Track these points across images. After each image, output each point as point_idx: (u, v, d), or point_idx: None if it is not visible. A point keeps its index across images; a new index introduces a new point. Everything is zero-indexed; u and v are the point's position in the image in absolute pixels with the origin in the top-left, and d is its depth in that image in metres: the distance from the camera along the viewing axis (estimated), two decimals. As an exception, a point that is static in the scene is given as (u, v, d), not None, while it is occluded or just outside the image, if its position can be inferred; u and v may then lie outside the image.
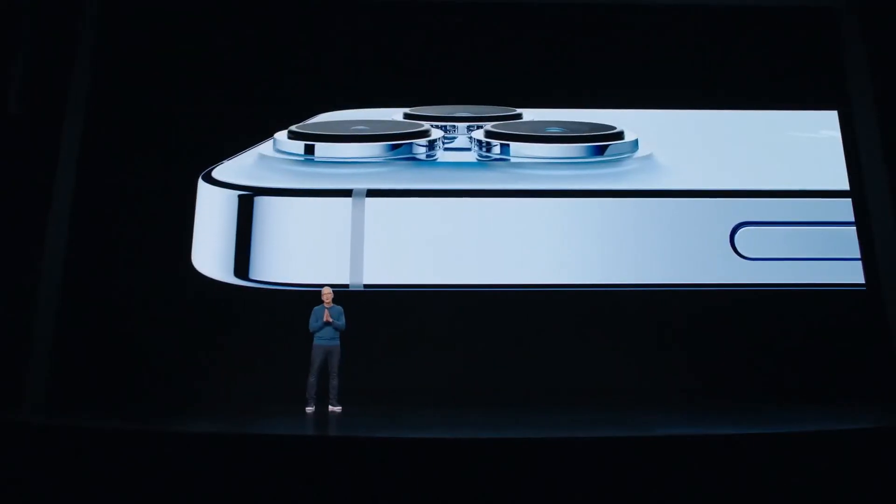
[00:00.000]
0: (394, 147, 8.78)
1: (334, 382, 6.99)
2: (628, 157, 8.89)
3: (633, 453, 5.30)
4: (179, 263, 8.43)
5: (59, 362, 7.55)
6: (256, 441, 5.66)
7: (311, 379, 6.95)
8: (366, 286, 8.37)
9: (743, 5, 9.09)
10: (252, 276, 8.34)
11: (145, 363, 8.03)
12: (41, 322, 7.43)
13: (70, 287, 7.83)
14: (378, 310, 8.30)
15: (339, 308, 7.21)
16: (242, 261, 8.34)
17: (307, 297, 7.54)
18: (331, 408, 6.96)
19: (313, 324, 7.07)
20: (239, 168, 8.71)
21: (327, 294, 7.27)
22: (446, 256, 8.50)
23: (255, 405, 7.26)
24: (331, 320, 7.05)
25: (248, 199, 8.40)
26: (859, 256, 8.48)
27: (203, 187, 8.59)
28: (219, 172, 8.62)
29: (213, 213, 8.50)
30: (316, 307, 7.18)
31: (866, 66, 8.18)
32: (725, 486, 5.18)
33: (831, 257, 8.56)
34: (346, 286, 8.29)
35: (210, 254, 8.47)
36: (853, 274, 8.51)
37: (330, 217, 8.47)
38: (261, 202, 8.42)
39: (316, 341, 7.05)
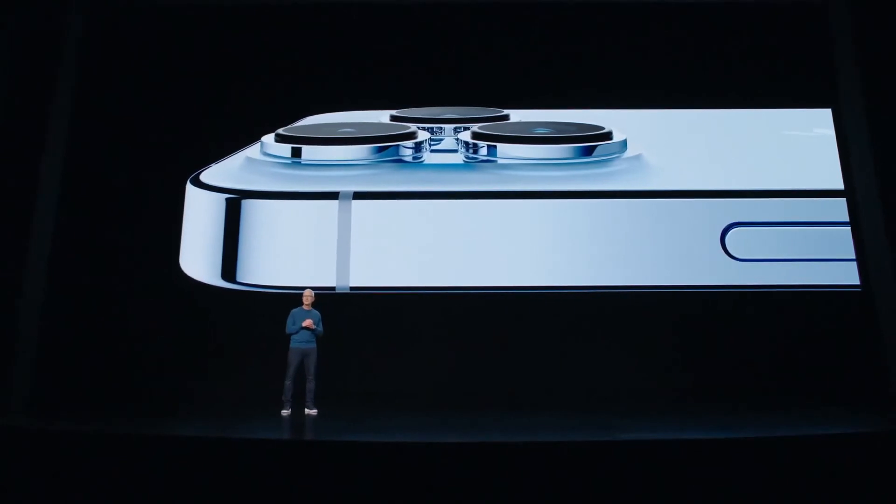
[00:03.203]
0: (380, 149, 8.77)
1: (310, 385, 7.00)
2: (617, 157, 8.80)
3: (600, 458, 5.27)
4: (167, 266, 8.50)
5: (44, 365, 7.61)
6: (232, 445, 5.69)
7: (288, 382, 6.96)
8: (352, 289, 8.37)
9: (734, 2, 8.94)
10: (239, 279, 8.38)
11: (132, 366, 8.12)
12: (26, 325, 7.50)
13: (57, 290, 7.90)
14: (358, 312, 8.32)
15: (318, 314, 7.22)
16: (230, 264, 8.38)
17: (292, 299, 7.54)
18: (307, 410, 6.96)
19: (290, 326, 7.08)
20: (226, 171, 8.77)
21: (308, 297, 7.27)
22: (433, 259, 8.48)
23: (234, 407, 7.30)
24: (313, 327, 7.06)
25: (235, 203, 8.44)
26: (852, 257, 8.31)
27: (191, 190, 8.65)
28: (206, 176, 8.69)
29: (200, 217, 8.56)
30: (294, 309, 7.19)
31: (856, 63, 8.01)
32: (701, 490, 5.11)
33: (824, 258, 8.41)
34: (333, 289, 8.31)
35: (198, 257, 8.53)
36: (846, 275, 8.34)
37: (317, 220, 8.49)
38: (248, 205, 8.45)
39: (292, 344, 7.05)
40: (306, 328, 7.02)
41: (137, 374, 8.06)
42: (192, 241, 8.61)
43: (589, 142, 8.74)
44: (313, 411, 6.97)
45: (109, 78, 8.86)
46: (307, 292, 7.31)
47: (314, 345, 7.09)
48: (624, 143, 8.84)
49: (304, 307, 7.21)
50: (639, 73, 9.13)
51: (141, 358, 8.17)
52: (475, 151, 8.85)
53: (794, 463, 5.24)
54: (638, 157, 8.87)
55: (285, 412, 6.91)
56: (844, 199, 8.46)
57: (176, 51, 9.14)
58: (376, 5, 8.90)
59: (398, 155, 8.83)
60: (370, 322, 8.33)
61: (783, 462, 5.24)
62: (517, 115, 9.29)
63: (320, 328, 7.15)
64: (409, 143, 8.84)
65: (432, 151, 9.03)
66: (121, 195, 8.68)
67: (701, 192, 8.61)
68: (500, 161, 8.79)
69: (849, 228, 8.37)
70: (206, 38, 9.14)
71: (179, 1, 9.10)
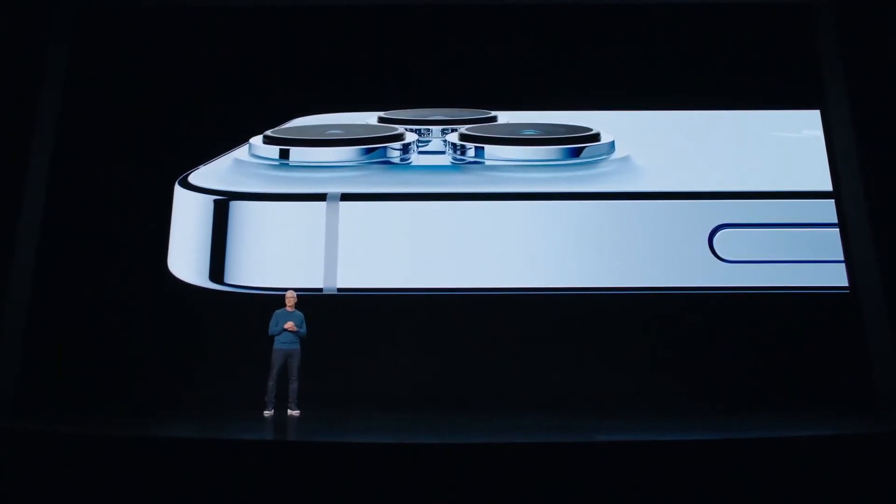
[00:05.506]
0: (368, 151, 8.78)
1: (293, 386, 7.02)
2: (605, 158, 8.80)
3: (587, 460, 5.25)
4: (155, 267, 8.51)
5: (30, 366, 7.60)
6: (214, 445, 5.67)
7: (271, 383, 6.98)
8: (339, 290, 8.38)
9: (723, 4, 8.93)
10: (227, 280, 8.40)
11: (118, 366, 8.11)
12: (12, 326, 7.50)
13: (45, 291, 7.90)
14: (346, 313, 8.31)
15: (301, 315, 7.24)
16: (217, 265, 8.40)
17: (279, 300, 7.54)
18: (289, 412, 6.97)
19: (273, 328, 7.10)
20: (215, 173, 8.79)
21: (291, 298, 7.29)
22: (420, 260, 8.49)
23: (217, 408, 7.31)
24: (295, 329, 7.08)
25: (223, 204, 8.46)
26: (841, 259, 8.26)
27: (179, 192, 8.68)
28: (195, 177, 8.71)
29: (188, 218, 8.58)
30: (277, 311, 7.21)
31: (844, 65, 8.01)
32: (689, 493, 5.09)
33: (812, 260, 8.38)
34: (320, 290, 8.32)
35: (186, 258, 8.54)
36: (835, 277, 8.29)
37: (304, 221, 8.51)
38: (236, 207, 8.47)
39: (276, 345, 7.09)
40: (288, 330, 7.03)
41: (124, 375, 8.05)
42: (180, 243, 8.62)
43: (577, 143, 8.74)
44: (296, 412, 6.98)
45: (98, 79, 8.86)
46: (290, 294, 7.32)
47: (297, 346, 7.12)
48: (612, 145, 8.84)
49: (288, 308, 7.23)
50: (627, 75, 9.10)
51: (127, 358, 8.16)
52: (463, 153, 8.85)
53: (781, 465, 5.19)
54: (626, 159, 8.86)
55: (268, 413, 6.92)
56: (833, 200, 8.43)
57: (164, 52, 9.14)
58: (365, 7, 8.90)
59: (386, 156, 8.84)
60: (357, 323, 8.33)
61: (771, 464, 5.20)
62: (505, 117, 9.28)
63: (303, 329, 7.17)
64: (397, 144, 8.84)
65: (420, 153, 9.03)
66: (109, 197, 8.68)
67: (689, 193, 8.61)
68: (487, 163, 8.79)
69: (837, 230, 8.33)
70: (195, 39, 9.13)
71: (170, 2, 9.10)
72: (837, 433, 5.95)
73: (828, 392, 7.79)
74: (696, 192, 8.62)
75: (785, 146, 8.96)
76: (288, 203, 8.53)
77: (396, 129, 8.97)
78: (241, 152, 8.93)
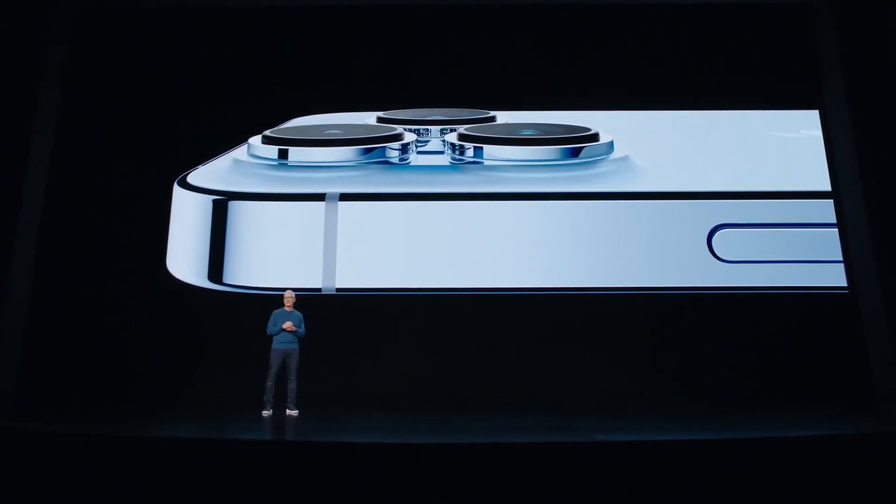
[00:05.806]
0: (367, 151, 8.78)
1: (292, 386, 7.02)
2: (603, 158, 8.81)
3: (585, 460, 5.26)
4: (154, 267, 8.52)
5: (28, 367, 7.59)
6: (213, 445, 5.68)
7: (269, 382, 6.98)
8: (338, 290, 8.38)
9: (722, 4, 8.93)
10: (226, 280, 8.40)
11: (117, 366, 8.10)
12: (12, 326, 7.48)
13: (44, 291, 7.88)
14: (344, 313, 8.32)
15: (300, 315, 7.24)
16: (216, 265, 8.41)
17: (278, 300, 7.53)
18: (288, 411, 6.97)
19: (271, 328, 7.10)
20: (213, 173, 8.80)
21: (289, 298, 7.29)
22: (419, 260, 8.49)
23: (216, 408, 7.31)
24: (293, 329, 7.08)
25: (222, 204, 8.46)
26: (839, 259, 8.25)
27: (178, 192, 8.68)
28: (194, 177, 8.72)
29: (187, 218, 8.59)
30: (275, 311, 7.21)
31: (843, 65, 8.01)
32: (685, 493, 5.10)
33: (811, 260, 8.40)
34: (319, 290, 8.33)
35: (185, 258, 8.55)
36: (833, 277, 8.29)
37: (303, 221, 8.52)
38: (235, 206, 8.48)
39: (274, 345, 7.09)
40: (286, 330, 7.04)
41: (124, 375, 8.05)
42: (179, 243, 8.63)
43: (575, 143, 8.75)
44: (294, 412, 6.98)
45: (98, 79, 8.85)
46: (288, 293, 7.33)
47: (296, 346, 7.12)
48: (611, 145, 8.85)
49: (286, 308, 7.24)
50: (627, 75, 9.10)
51: (127, 358, 8.16)
52: (461, 153, 8.86)
53: (781, 465, 5.21)
54: (625, 159, 8.87)
55: (266, 413, 6.92)
56: (832, 200, 8.42)
57: (164, 52, 9.14)
58: (364, 7, 8.90)
59: (384, 156, 8.84)
60: (356, 323, 8.33)
61: (771, 464, 5.21)
62: (504, 117, 9.29)
63: (302, 329, 7.18)
64: (396, 144, 8.85)
65: (419, 153, 9.04)
66: (109, 196, 8.68)
67: (688, 193, 8.62)
68: (486, 163, 8.80)
69: (836, 230, 8.31)
70: (195, 39, 9.12)
71: (170, 2, 9.10)
72: (837, 433, 5.95)
73: (828, 392, 7.79)
74: (694, 192, 8.63)
75: (784, 146, 8.97)
76: (287, 203, 8.54)
77: (395, 129, 8.97)
78: (240, 152, 8.93)
